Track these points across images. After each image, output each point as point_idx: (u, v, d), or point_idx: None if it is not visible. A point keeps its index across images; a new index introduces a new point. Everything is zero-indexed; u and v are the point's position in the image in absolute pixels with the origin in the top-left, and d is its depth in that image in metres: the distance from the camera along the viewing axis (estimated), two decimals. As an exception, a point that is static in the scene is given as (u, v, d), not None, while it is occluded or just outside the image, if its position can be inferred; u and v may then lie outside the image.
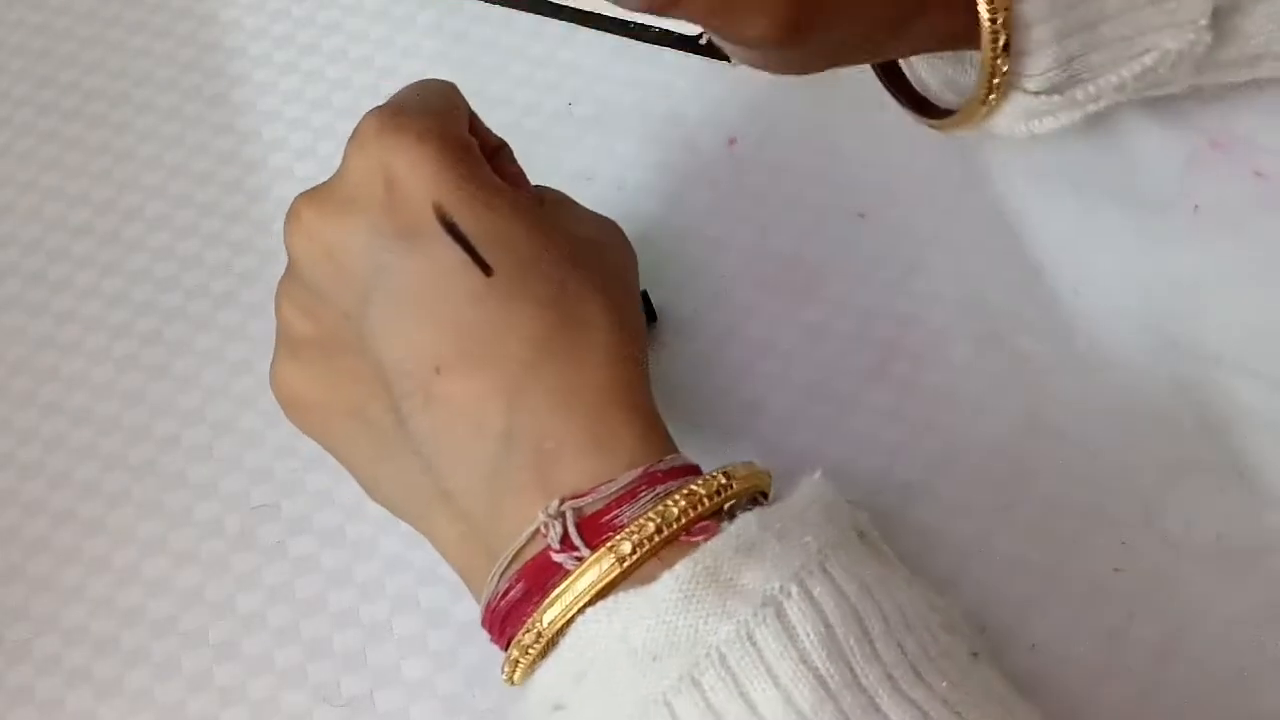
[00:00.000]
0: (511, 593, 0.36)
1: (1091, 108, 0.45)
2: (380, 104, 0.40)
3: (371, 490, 0.42)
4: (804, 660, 0.33)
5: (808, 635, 0.33)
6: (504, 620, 0.37)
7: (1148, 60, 0.43)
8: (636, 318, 0.42)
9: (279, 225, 0.53)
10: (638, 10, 0.38)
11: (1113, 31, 0.43)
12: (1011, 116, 0.45)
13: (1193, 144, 0.49)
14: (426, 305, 0.38)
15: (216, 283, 0.52)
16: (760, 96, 0.53)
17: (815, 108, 0.53)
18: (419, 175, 0.38)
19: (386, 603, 0.45)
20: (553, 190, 0.44)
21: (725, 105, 0.53)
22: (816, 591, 0.34)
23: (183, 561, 0.47)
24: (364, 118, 0.40)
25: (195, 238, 0.53)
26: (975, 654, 0.36)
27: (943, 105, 0.47)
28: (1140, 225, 0.49)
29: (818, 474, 0.38)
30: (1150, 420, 0.45)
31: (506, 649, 0.37)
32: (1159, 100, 0.49)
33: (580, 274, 0.39)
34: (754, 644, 0.33)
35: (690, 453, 0.46)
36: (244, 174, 0.55)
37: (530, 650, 0.36)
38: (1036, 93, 0.44)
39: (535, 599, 0.36)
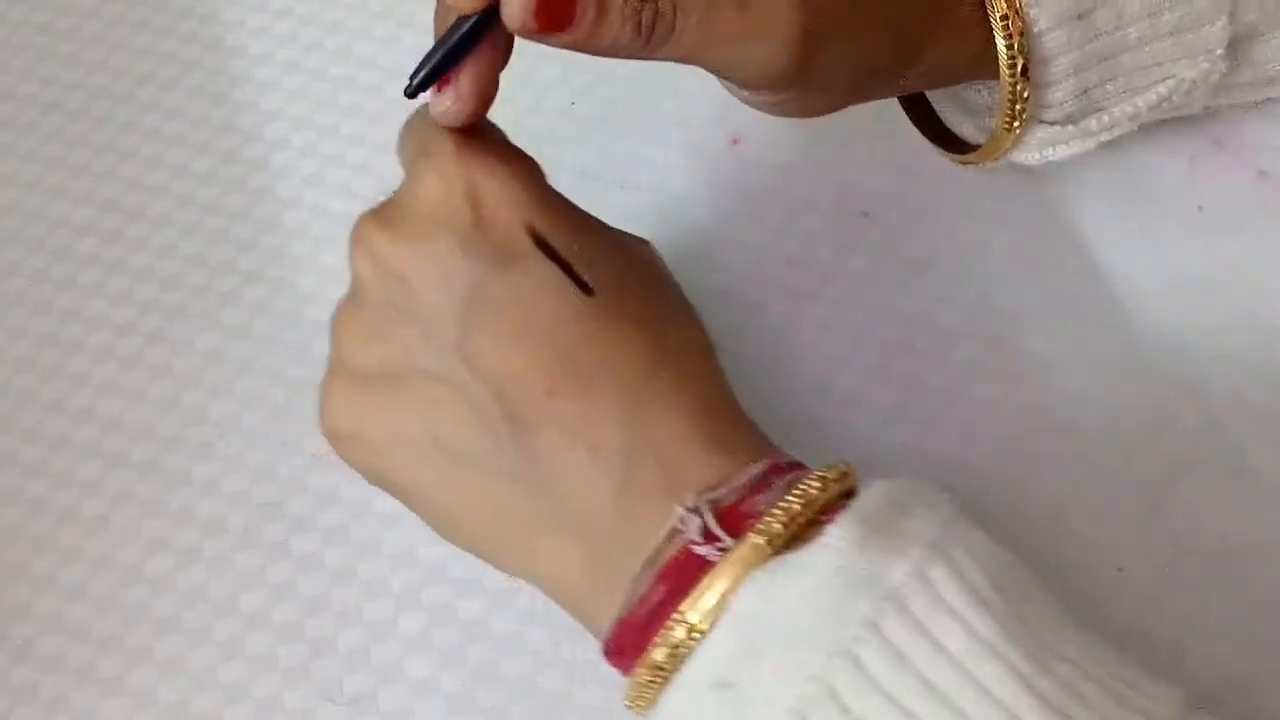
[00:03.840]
0: (651, 596, 0.35)
1: (1105, 136, 0.45)
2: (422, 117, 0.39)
3: (451, 528, 0.40)
4: (976, 593, 0.33)
5: (973, 574, 0.33)
6: (644, 628, 0.35)
7: (1162, 89, 0.44)
8: (697, 321, 0.42)
9: (282, 224, 0.53)
10: (609, 53, 0.37)
11: (1131, 62, 0.43)
12: (1028, 147, 0.45)
13: (1196, 144, 0.50)
14: (531, 326, 0.37)
15: (220, 281, 0.52)
16: (764, 96, 0.53)
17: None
18: (509, 195, 0.38)
19: (390, 601, 0.45)
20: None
21: (729, 104, 0.53)
22: (970, 539, 0.34)
23: (186, 560, 0.47)
24: (433, 137, 0.39)
25: (198, 236, 0.53)
26: None
27: (962, 137, 0.47)
28: (1144, 225, 0.49)
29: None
30: (1154, 419, 0.45)
31: (634, 665, 0.35)
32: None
33: (660, 290, 0.40)
34: (929, 582, 0.33)
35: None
36: (247, 173, 0.55)
37: (680, 650, 0.34)
38: (1052, 123, 0.44)
39: (678, 600, 0.34)
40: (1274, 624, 0.42)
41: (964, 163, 0.48)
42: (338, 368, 0.40)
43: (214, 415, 0.49)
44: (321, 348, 0.50)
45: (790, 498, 0.35)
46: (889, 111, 0.50)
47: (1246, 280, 0.48)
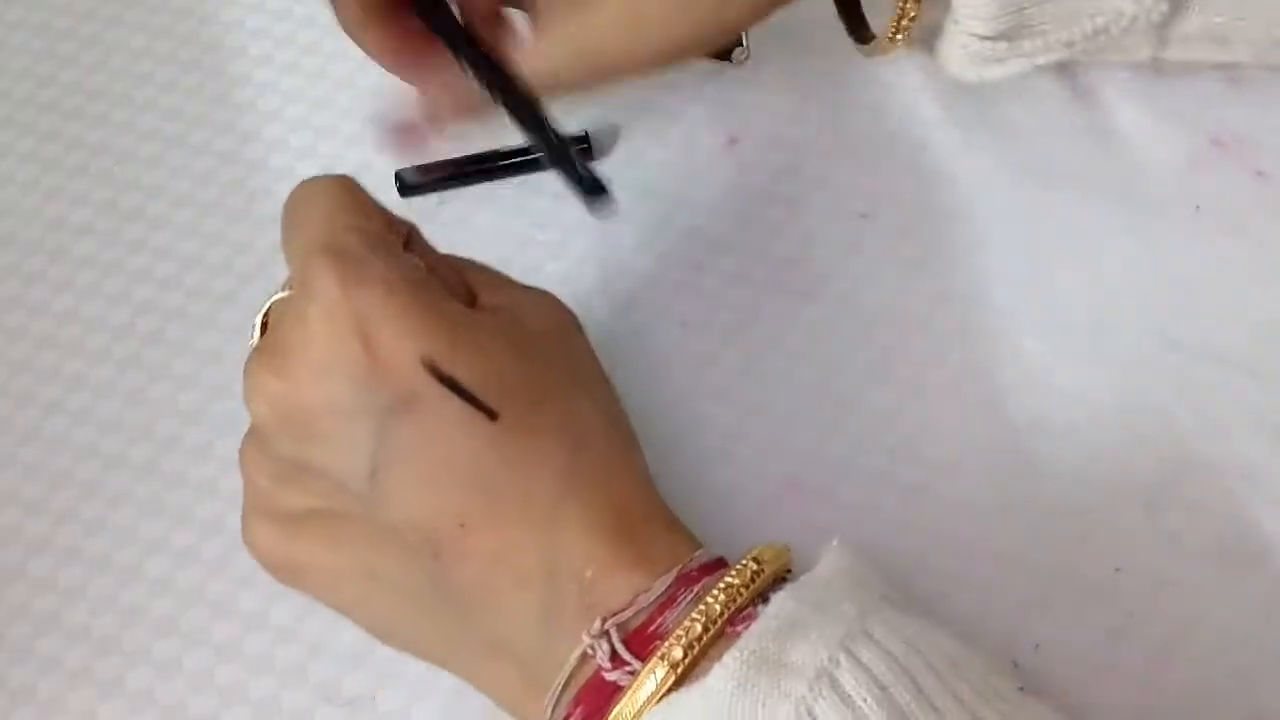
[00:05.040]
0: (571, 719, 0.36)
1: (1040, 59, 0.46)
2: (306, 242, 0.38)
3: (400, 646, 0.40)
4: None
5: (865, 701, 0.32)
6: None
7: (1100, 20, 0.44)
8: (612, 395, 0.41)
9: (280, 225, 0.53)
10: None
11: None
12: (960, 61, 0.46)
13: (1194, 143, 0.50)
14: (440, 464, 0.36)
15: (217, 282, 0.52)
16: (761, 96, 0.53)
17: (817, 108, 0.53)
18: (400, 331, 0.36)
19: (388, 602, 0.45)
20: (472, 264, 0.42)
21: (726, 105, 0.53)
22: (865, 657, 0.33)
23: (184, 561, 0.47)
24: (313, 271, 0.37)
25: (196, 237, 0.53)
26: (1021, 688, 0.35)
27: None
28: (1142, 225, 0.49)
29: (835, 542, 0.37)
30: (1152, 420, 0.45)
31: None
32: (1160, 98, 0.50)
33: (565, 381, 0.39)
34: (814, 718, 0.32)
35: (692, 456, 0.46)
36: (245, 174, 0.55)
37: None
38: (984, 37, 0.44)
39: None
40: (1272, 624, 0.42)
41: (863, 54, 0.50)
42: (256, 505, 0.40)
43: (212, 416, 0.49)
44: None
45: (693, 617, 0.34)
46: (887, 113, 0.50)
47: (1245, 280, 0.48)
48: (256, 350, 0.39)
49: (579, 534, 0.36)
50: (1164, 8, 0.44)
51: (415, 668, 0.44)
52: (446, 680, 0.44)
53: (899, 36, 0.47)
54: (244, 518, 0.40)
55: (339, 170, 0.54)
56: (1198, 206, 0.49)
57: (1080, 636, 0.42)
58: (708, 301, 0.49)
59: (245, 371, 0.38)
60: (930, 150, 0.51)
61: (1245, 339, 0.46)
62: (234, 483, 0.47)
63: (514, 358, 0.38)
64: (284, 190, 0.54)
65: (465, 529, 0.36)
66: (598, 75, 0.46)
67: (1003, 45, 0.45)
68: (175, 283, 0.52)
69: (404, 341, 0.36)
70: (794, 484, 0.46)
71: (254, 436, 0.39)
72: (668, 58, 0.46)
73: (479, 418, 0.36)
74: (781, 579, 0.37)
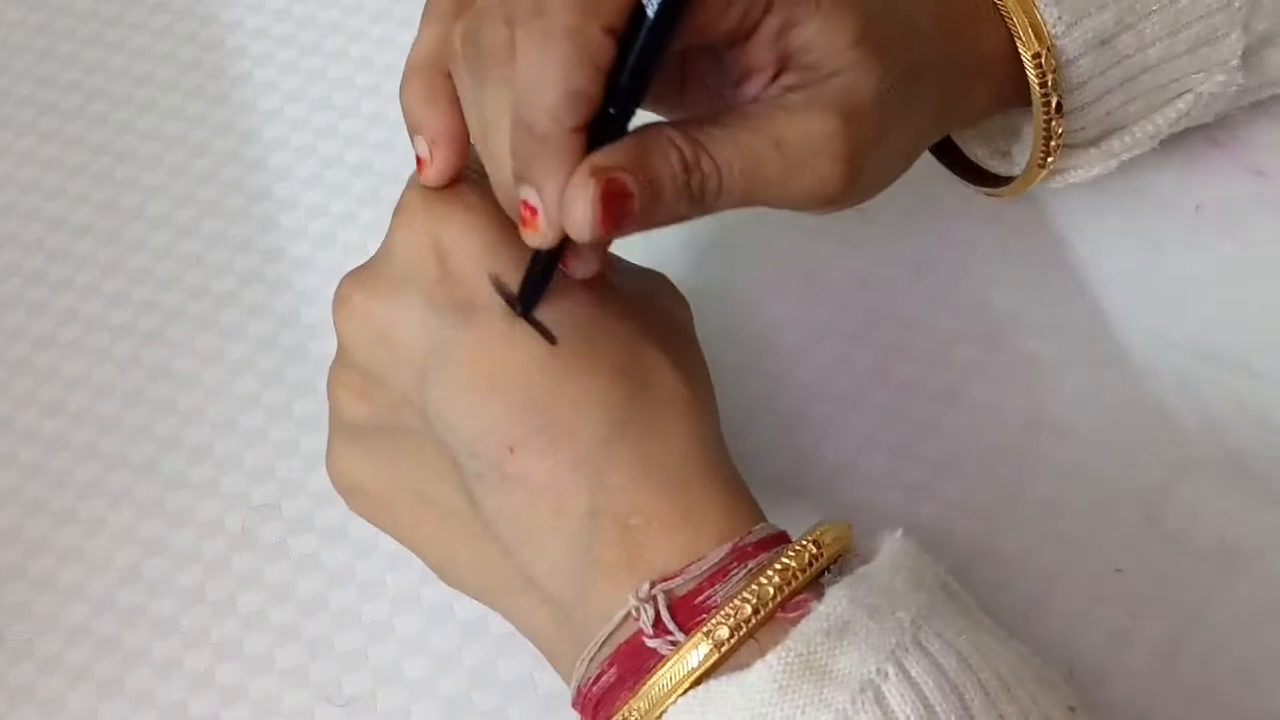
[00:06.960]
0: (604, 678, 0.35)
1: (1126, 155, 0.45)
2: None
3: (445, 575, 0.40)
4: None
5: (908, 718, 0.32)
6: (597, 705, 0.36)
7: (1181, 105, 0.44)
8: (703, 373, 0.41)
9: (280, 224, 0.53)
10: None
11: (1150, 81, 0.43)
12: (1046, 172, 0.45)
13: (1194, 143, 0.50)
14: (492, 380, 0.36)
15: (217, 282, 0.52)
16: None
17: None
18: (471, 246, 0.37)
19: (388, 602, 0.45)
20: None
21: (727, 105, 0.53)
22: (914, 671, 0.32)
23: (184, 561, 0.47)
24: (406, 192, 0.38)
25: (196, 237, 0.53)
26: (1072, 708, 0.34)
27: (990, 170, 0.47)
28: (1141, 225, 0.49)
29: (899, 533, 0.36)
30: (1152, 420, 0.45)
31: None
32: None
33: (644, 334, 0.38)
34: None
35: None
36: (245, 174, 0.55)
37: None
38: (1075, 147, 0.44)
39: (629, 684, 0.34)
40: (1273, 623, 0.42)
41: (998, 195, 0.47)
42: (335, 423, 0.41)
43: (212, 416, 0.49)
44: (319, 348, 0.50)
45: (744, 596, 0.34)
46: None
47: (1244, 280, 0.48)
48: (349, 271, 0.40)
49: (625, 480, 0.36)
50: (1239, 79, 0.44)
51: (415, 668, 0.44)
52: (447, 681, 0.44)
53: (1050, 160, 0.43)
54: (329, 443, 0.41)
55: (337, 171, 0.54)
56: (1197, 206, 0.49)
57: (1081, 637, 0.42)
58: (708, 301, 0.49)
59: (336, 289, 0.39)
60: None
61: (1245, 339, 0.47)
62: (233, 484, 0.48)
63: (590, 299, 0.38)
64: (284, 190, 0.54)
65: (513, 452, 0.36)
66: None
67: (1092, 151, 0.44)
68: (175, 282, 0.52)
69: (473, 255, 0.37)
70: (794, 484, 0.46)
71: (339, 353, 0.40)
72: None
73: (536, 339, 0.37)
74: (840, 556, 0.36)
